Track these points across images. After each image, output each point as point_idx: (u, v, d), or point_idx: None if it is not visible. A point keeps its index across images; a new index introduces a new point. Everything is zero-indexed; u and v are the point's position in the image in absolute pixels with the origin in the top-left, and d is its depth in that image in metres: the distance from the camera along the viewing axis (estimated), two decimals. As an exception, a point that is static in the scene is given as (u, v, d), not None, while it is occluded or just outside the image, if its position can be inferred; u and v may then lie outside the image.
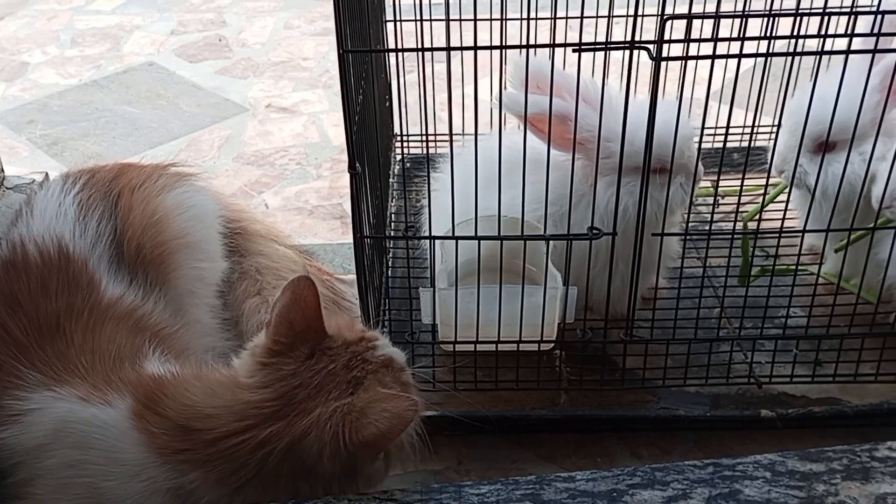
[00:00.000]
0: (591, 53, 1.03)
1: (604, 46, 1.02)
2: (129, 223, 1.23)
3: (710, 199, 1.66)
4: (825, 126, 1.18)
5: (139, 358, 1.06)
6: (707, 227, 1.24)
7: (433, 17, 1.45)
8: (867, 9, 1.22)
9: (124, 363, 1.05)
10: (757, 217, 1.37)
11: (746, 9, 1.49)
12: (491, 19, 1.42)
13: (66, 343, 1.06)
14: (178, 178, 1.37)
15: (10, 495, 1.03)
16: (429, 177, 1.30)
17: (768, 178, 1.26)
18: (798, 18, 1.02)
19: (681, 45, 1.03)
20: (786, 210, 1.22)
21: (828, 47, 1.05)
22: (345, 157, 1.07)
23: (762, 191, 1.28)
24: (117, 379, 1.02)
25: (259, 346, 1.02)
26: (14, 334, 1.08)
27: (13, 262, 1.16)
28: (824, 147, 1.27)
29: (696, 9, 1.10)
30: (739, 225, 1.43)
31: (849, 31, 1.09)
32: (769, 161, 1.29)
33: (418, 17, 1.41)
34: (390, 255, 1.56)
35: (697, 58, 1.04)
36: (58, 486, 0.98)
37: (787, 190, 1.38)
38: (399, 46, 1.37)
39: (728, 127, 1.14)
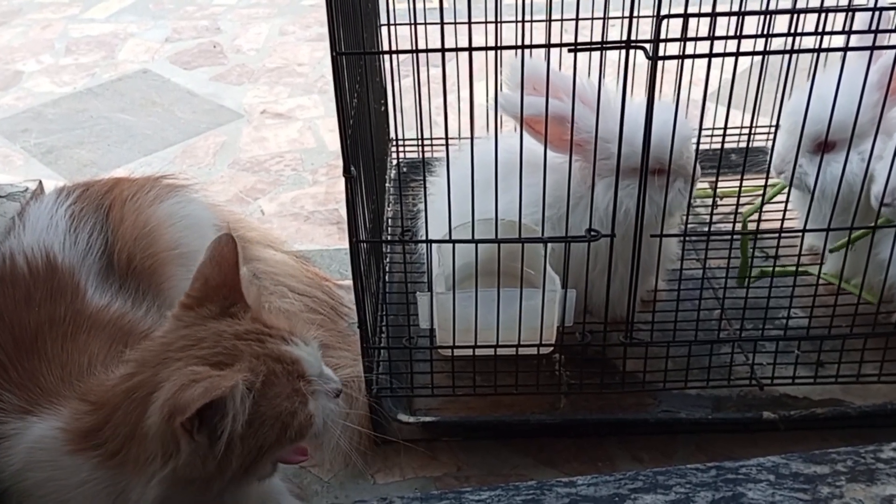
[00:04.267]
0: (587, 54, 1.02)
1: (600, 46, 1.01)
2: (121, 234, 1.22)
3: (709, 201, 1.65)
4: (824, 126, 1.18)
5: (112, 364, 1.04)
6: (706, 229, 1.23)
7: (427, 21, 1.44)
8: (864, 6, 1.21)
9: (93, 371, 1.03)
10: (756, 217, 1.36)
11: (743, 7, 1.49)
12: (486, 22, 1.42)
13: (39, 358, 1.04)
14: (171, 189, 1.36)
15: None
16: (425, 181, 1.29)
17: (767, 178, 1.26)
18: (795, 16, 1.01)
19: (677, 44, 1.02)
20: (785, 210, 1.21)
21: (825, 45, 1.04)
22: (341, 162, 1.06)
23: (761, 191, 1.27)
24: (77, 388, 1.00)
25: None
26: None
27: (1, 275, 1.15)
28: (823, 147, 1.26)
29: (693, 8, 1.09)
30: (738, 225, 1.42)
31: (846, 29, 1.09)
32: (768, 162, 1.29)
33: (412, 21, 1.41)
34: (387, 259, 1.55)
35: (694, 56, 1.03)
36: None
37: (786, 190, 1.38)
38: (393, 48, 1.36)
39: (726, 127, 1.13)
